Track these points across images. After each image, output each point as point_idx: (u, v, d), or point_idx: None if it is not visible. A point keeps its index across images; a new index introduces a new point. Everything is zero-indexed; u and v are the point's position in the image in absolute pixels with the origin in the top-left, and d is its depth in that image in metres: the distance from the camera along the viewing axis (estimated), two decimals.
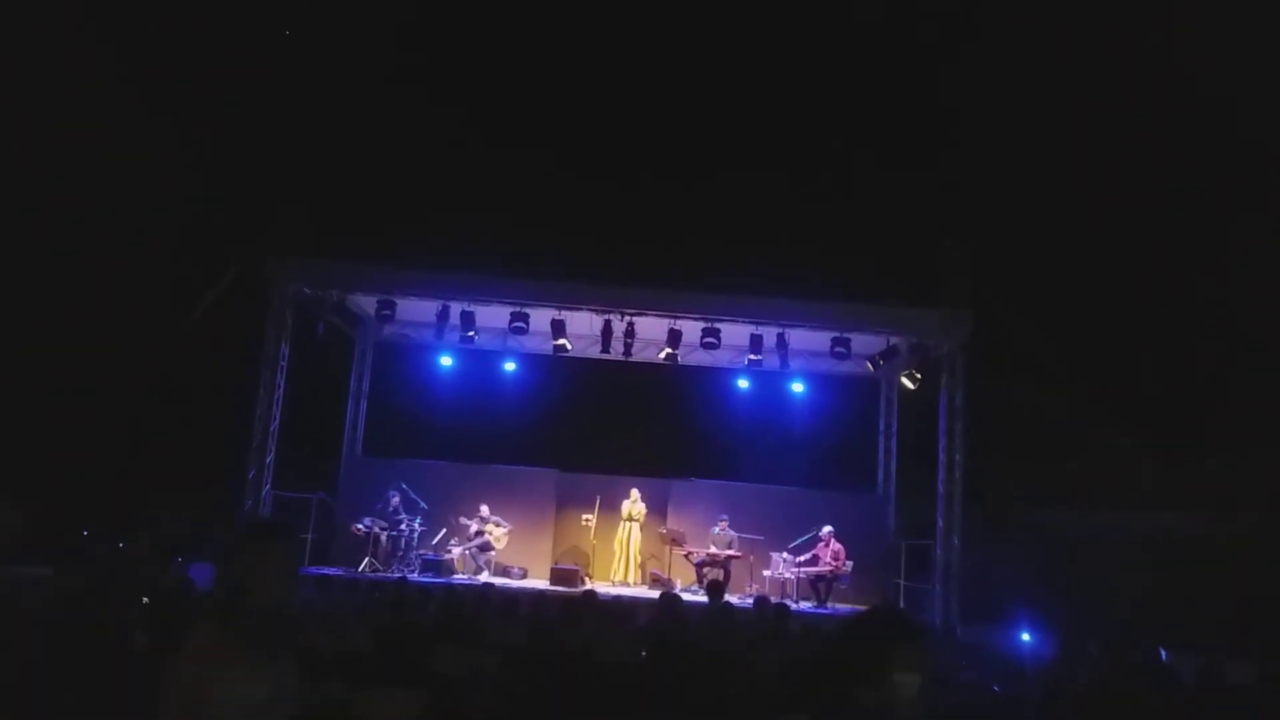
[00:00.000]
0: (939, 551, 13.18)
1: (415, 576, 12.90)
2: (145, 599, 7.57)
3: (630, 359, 14.35)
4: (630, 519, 14.52)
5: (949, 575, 12.95)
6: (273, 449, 13.24)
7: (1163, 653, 7.05)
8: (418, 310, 14.28)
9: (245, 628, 2.51)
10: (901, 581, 14.27)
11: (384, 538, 13.71)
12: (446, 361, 16.08)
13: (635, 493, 14.68)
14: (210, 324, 13.72)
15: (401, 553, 13.75)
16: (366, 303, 14.36)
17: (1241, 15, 15.33)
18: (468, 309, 13.68)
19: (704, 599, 10.27)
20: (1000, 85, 18.17)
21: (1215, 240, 16.65)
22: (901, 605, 13.97)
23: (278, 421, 13.32)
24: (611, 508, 14.66)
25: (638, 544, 14.52)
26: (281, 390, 13.37)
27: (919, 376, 13.81)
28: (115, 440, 15.76)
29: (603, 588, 13.03)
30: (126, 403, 15.79)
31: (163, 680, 2.42)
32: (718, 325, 13.49)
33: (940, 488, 13.36)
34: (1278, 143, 15.25)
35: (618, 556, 14.48)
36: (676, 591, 11.58)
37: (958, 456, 13.25)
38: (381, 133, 19.15)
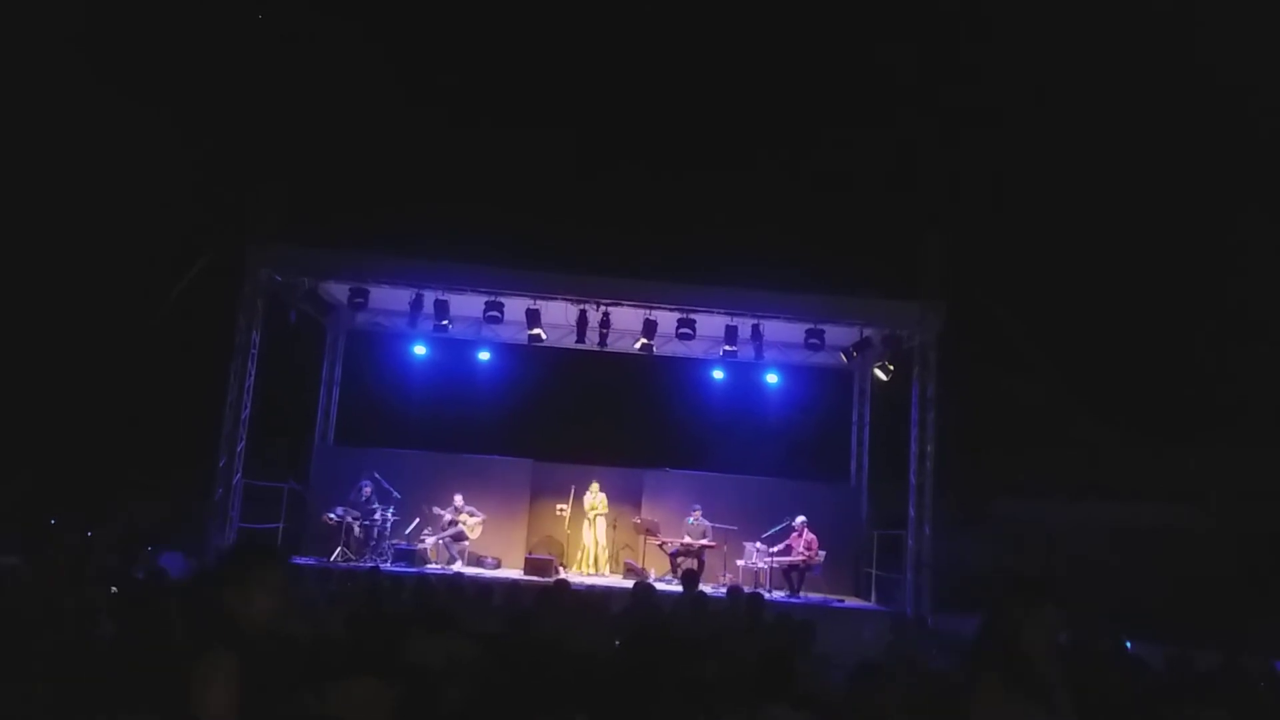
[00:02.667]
0: (911, 541, 13.28)
1: (388, 566, 12.87)
2: (114, 588, 7.49)
3: (605, 349, 14.36)
4: (592, 511, 14.50)
5: (920, 564, 13.07)
6: (243, 437, 13.10)
7: (1128, 642, 7.15)
8: (391, 298, 14.17)
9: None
10: (874, 571, 14.37)
11: (356, 527, 13.63)
12: (420, 350, 15.99)
13: (595, 485, 14.62)
14: (181, 311, 13.53)
15: (374, 542, 13.67)
16: (339, 290, 14.20)
17: (1240, 14, 15.49)
18: (442, 297, 13.60)
19: (678, 588, 10.29)
20: (988, 81, 18.28)
21: (1202, 235, 16.85)
22: (873, 594, 14.10)
23: (248, 410, 13.18)
24: None
25: (604, 537, 14.52)
26: (252, 378, 13.24)
27: (892, 368, 13.90)
28: (85, 428, 15.55)
29: (576, 578, 13.03)
30: (97, 390, 15.58)
31: None
32: (693, 316, 13.51)
33: (912, 478, 13.49)
34: (1273, 140, 15.43)
35: (587, 550, 14.48)
36: (651, 581, 11.62)
37: (929, 447, 13.37)
38: (355, 120, 19.00)
